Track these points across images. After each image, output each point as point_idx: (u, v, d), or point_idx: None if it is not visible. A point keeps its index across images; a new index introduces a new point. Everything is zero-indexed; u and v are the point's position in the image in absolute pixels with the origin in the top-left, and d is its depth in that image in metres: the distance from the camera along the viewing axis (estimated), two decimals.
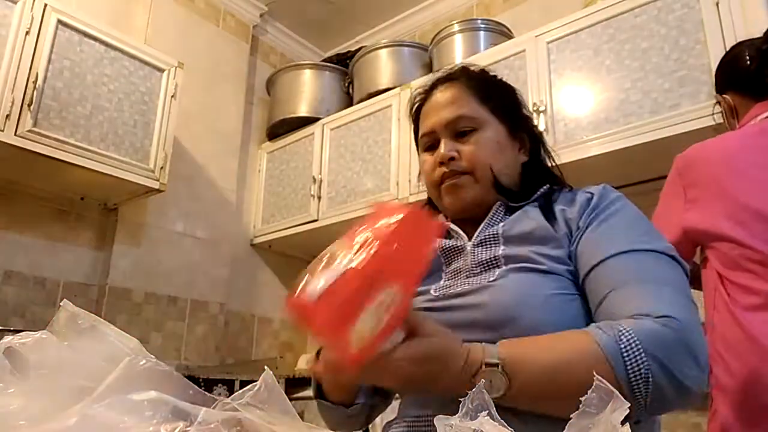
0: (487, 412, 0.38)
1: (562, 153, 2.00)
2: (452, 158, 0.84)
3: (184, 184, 2.70)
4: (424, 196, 0.98)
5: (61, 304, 0.48)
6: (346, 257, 0.55)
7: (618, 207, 0.77)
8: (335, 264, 0.55)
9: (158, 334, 2.51)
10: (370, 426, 0.92)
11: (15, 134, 1.93)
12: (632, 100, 1.95)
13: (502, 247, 0.79)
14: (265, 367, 0.42)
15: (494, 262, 0.78)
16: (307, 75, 3.04)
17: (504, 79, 0.96)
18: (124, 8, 2.65)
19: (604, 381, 0.40)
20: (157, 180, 2.31)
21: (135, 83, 2.30)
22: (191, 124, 2.77)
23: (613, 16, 2.06)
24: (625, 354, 0.60)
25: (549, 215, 0.80)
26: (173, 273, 2.61)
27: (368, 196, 2.62)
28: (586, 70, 2.09)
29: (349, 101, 2.98)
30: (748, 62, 1.32)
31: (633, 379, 0.60)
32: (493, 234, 0.80)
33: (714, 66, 1.48)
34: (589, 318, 0.72)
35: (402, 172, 2.52)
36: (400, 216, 0.59)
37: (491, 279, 0.75)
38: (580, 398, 0.59)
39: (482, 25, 2.63)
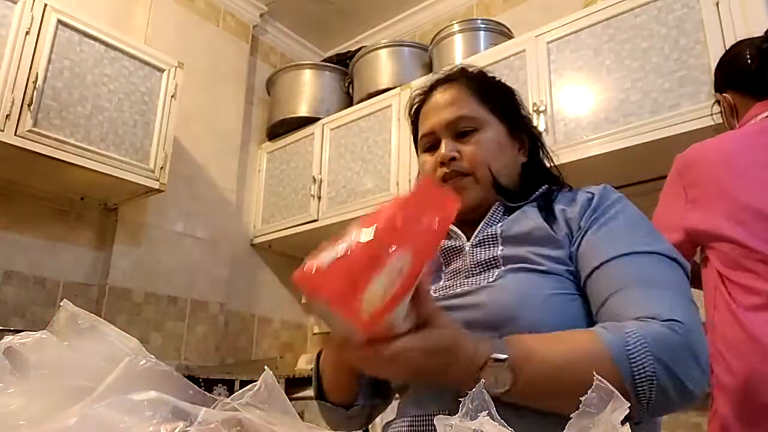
0: (487, 412, 0.38)
1: (562, 153, 2.00)
2: (453, 158, 0.84)
3: (184, 184, 2.70)
4: None
5: (61, 304, 0.48)
6: (355, 232, 0.55)
7: (619, 208, 0.77)
8: (344, 238, 0.55)
9: (158, 334, 2.51)
10: (370, 426, 0.92)
11: (15, 134, 1.93)
12: (632, 100, 1.95)
13: (500, 248, 0.79)
14: (265, 367, 0.42)
15: (493, 262, 0.78)
16: (307, 75, 3.05)
17: (503, 80, 0.96)
18: (124, 8, 2.65)
19: (604, 381, 0.40)
20: (157, 180, 2.31)
21: (135, 83, 2.30)
22: (191, 124, 2.78)
23: (613, 16, 2.06)
24: (632, 355, 0.60)
25: (548, 215, 0.80)
26: (173, 273, 2.61)
27: (368, 196, 2.62)
28: (586, 70, 2.09)
29: (349, 101, 2.99)
30: (749, 61, 1.32)
31: (638, 380, 0.60)
32: (492, 234, 0.80)
33: (714, 66, 1.48)
34: (589, 319, 0.72)
35: (402, 172, 2.52)
36: (415, 190, 0.60)
37: (491, 279, 0.75)
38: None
39: (482, 25, 2.63)
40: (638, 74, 1.96)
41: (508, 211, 0.85)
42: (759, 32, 1.42)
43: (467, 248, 0.82)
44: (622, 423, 0.36)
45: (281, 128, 3.10)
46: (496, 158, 0.85)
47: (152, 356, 0.42)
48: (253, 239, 3.07)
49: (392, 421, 0.79)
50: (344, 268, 0.52)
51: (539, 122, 2.10)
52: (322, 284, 0.52)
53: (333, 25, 3.39)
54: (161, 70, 2.39)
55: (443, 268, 0.85)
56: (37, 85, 1.99)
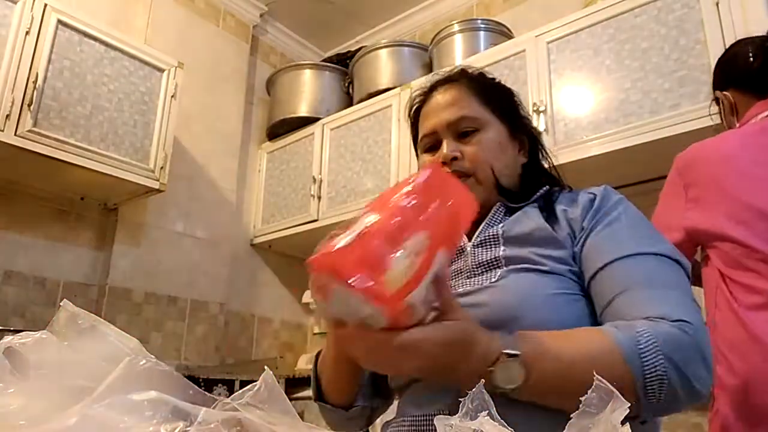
0: (487, 412, 0.38)
1: (562, 153, 2.00)
2: (455, 158, 0.84)
3: (184, 184, 2.70)
4: None
5: (61, 304, 0.48)
6: (367, 217, 0.55)
7: (621, 210, 0.78)
8: (359, 221, 0.55)
9: (158, 334, 2.51)
10: (370, 428, 0.92)
11: (15, 134, 1.93)
12: (632, 100, 1.95)
13: (502, 248, 0.79)
14: (265, 367, 0.42)
15: (495, 262, 0.78)
16: (307, 75, 3.05)
17: (503, 81, 0.96)
18: (123, 8, 2.65)
19: (604, 381, 0.40)
20: (157, 180, 2.31)
21: (135, 83, 2.30)
22: (191, 124, 2.78)
23: (613, 16, 2.06)
24: (643, 355, 0.61)
25: (550, 216, 0.80)
26: (173, 273, 2.61)
27: (368, 196, 2.62)
28: (586, 70, 2.09)
29: (349, 101, 2.99)
30: (751, 59, 1.31)
31: (649, 379, 0.60)
32: (493, 235, 0.80)
33: (714, 66, 1.48)
34: (592, 319, 0.72)
35: (402, 172, 2.52)
36: (425, 174, 0.60)
37: (493, 279, 0.75)
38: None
39: (482, 25, 2.63)
40: (638, 74, 1.96)
41: (509, 211, 0.85)
42: (759, 32, 1.41)
43: (468, 248, 0.82)
44: (627, 422, 0.36)
45: (281, 128, 3.10)
46: (498, 159, 0.85)
47: (152, 356, 0.42)
48: (253, 239, 3.07)
49: (392, 420, 0.79)
50: (364, 250, 0.52)
51: (539, 122, 2.10)
52: (342, 266, 0.51)
53: (333, 25, 3.39)
54: (161, 70, 2.39)
55: None
56: (37, 85, 1.99)
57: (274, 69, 3.26)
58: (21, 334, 0.44)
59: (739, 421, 1.07)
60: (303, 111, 3.00)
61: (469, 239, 0.84)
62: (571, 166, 1.95)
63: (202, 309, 2.70)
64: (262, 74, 3.29)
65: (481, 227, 0.84)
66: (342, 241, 0.53)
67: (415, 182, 0.59)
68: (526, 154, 0.92)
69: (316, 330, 3.14)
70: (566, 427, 0.39)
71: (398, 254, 0.53)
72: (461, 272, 0.81)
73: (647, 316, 0.65)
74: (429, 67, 2.75)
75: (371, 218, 0.54)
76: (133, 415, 0.35)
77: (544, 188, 0.86)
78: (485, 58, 2.37)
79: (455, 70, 0.94)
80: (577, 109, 2.08)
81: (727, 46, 1.58)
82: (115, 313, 2.38)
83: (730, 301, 1.13)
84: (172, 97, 2.40)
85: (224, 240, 2.86)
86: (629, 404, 0.60)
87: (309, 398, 0.87)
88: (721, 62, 1.40)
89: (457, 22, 2.67)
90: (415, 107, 0.95)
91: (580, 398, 0.40)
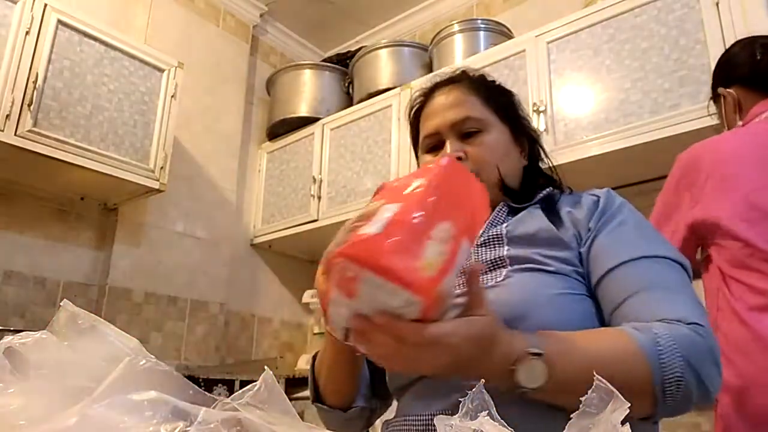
0: (487, 412, 0.38)
1: (562, 153, 2.00)
2: (459, 158, 0.84)
3: (184, 184, 2.70)
4: None
5: (61, 304, 0.48)
6: (389, 205, 0.53)
7: (626, 213, 0.79)
8: (379, 212, 0.53)
9: (158, 334, 2.51)
10: (370, 428, 0.92)
11: (15, 134, 1.93)
12: (632, 100, 1.95)
13: (506, 248, 0.79)
14: (265, 367, 0.42)
15: (499, 262, 0.78)
16: (307, 75, 3.05)
17: (503, 81, 0.96)
18: (123, 8, 2.65)
19: (604, 381, 0.40)
20: (157, 180, 2.31)
21: (135, 83, 2.30)
22: (191, 124, 2.78)
23: (613, 16, 2.06)
24: (663, 356, 0.61)
25: (553, 217, 0.80)
26: (173, 273, 2.61)
27: (368, 196, 2.60)
28: (586, 70, 2.09)
29: (349, 101, 2.99)
30: (758, 57, 1.30)
31: (667, 381, 0.61)
32: (497, 234, 0.80)
33: (714, 66, 1.47)
34: (598, 319, 0.73)
35: (402, 172, 2.52)
36: (443, 164, 0.59)
37: (498, 279, 0.75)
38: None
39: (482, 25, 2.63)
40: (638, 74, 1.96)
41: (512, 211, 0.85)
42: (759, 32, 1.41)
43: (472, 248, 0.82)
44: (626, 422, 0.36)
45: (281, 128, 3.10)
46: (502, 160, 0.86)
47: (152, 356, 0.42)
48: (253, 239, 3.07)
49: (392, 420, 0.79)
50: (396, 239, 0.50)
51: (539, 122, 2.10)
52: (377, 254, 0.50)
53: (333, 25, 3.39)
54: (161, 70, 2.39)
55: None
56: (37, 85, 1.99)
57: (274, 69, 3.26)
58: (21, 334, 0.44)
59: (742, 422, 1.07)
60: (303, 111, 3.00)
61: None
62: (571, 166, 1.95)
63: (202, 309, 2.70)
64: (262, 74, 3.29)
65: (484, 226, 0.84)
66: (369, 230, 0.51)
67: (432, 172, 0.58)
68: (526, 157, 0.92)
69: (316, 330, 3.14)
70: (566, 427, 0.39)
71: (429, 242, 0.52)
72: (464, 272, 0.81)
73: (662, 319, 0.66)
74: (429, 67, 2.75)
75: (392, 208, 0.53)
76: (133, 415, 0.35)
77: (547, 189, 0.86)
78: (485, 58, 2.37)
79: (457, 72, 0.94)
80: (577, 109, 2.08)
81: (727, 46, 1.58)
82: (115, 313, 2.38)
83: (732, 302, 1.13)
84: (172, 97, 2.40)
85: (224, 240, 2.86)
86: (646, 404, 0.62)
87: (309, 398, 0.87)
88: (724, 59, 1.39)
89: (457, 22, 2.67)
90: (415, 108, 0.95)
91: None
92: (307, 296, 3.04)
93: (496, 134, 0.87)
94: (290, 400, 0.41)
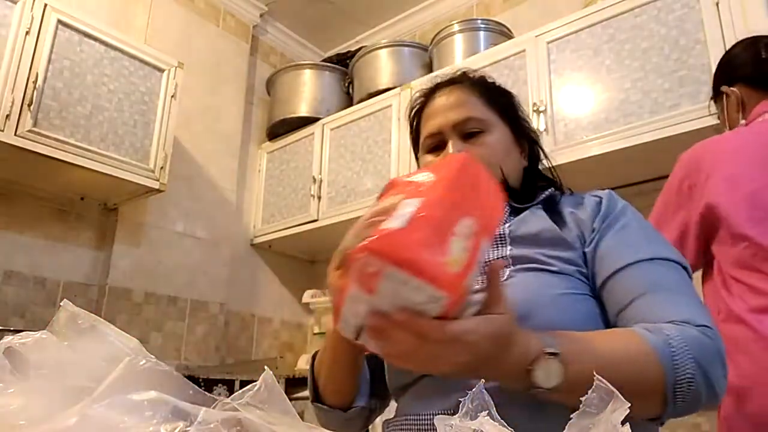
0: (487, 412, 0.38)
1: (563, 153, 2.00)
2: None
3: (184, 184, 2.70)
4: None
5: (61, 304, 0.47)
6: (409, 200, 0.52)
7: (629, 215, 0.79)
8: (400, 207, 0.52)
9: (158, 334, 2.51)
10: (370, 427, 0.92)
11: (15, 134, 1.93)
12: (632, 100, 1.95)
13: (509, 248, 0.79)
14: (265, 367, 0.42)
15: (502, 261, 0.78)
16: (307, 75, 3.05)
17: (503, 81, 0.97)
18: (123, 8, 2.65)
19: (604, 381, 0.40)
20: (157, 180, 2.31)
21: (135, 83, 2.30)
22: (191, 124, 2.78)
23: (613, 16, 2.06)
24: (675, 357, 0.62)
25: (556, 218, 0.81)
26: (173, 273, 2.61)
27: (368, 196, 2.62)
28: (586, 70, 2.09)
29: (349, 101, 2.99)
30: (763, 56, 1.30)
31: (679, 382, 0.61)
32: (500, 234, 0.80)
33: (714, 66, 1.47)
34: (602, 319, 0.73)
35: (402, 172, 2.52)
36: (460, 161, 0.58)
37: (502, 279, 0.75)
38: (632, 396, 0.59)
39: (482, 25, 2.63)
40: (638, 74, 1.96)
41: (515, 211, 0.85)
42: (759, 32, 1.41)
43: None
44: (625, 422, 0.36)
45: (281, 128, 3.10)
46: (503, 160, 0.86)
47: (152, 356, 0.42)
48: (253, 239, 3.07)
49: (393, 419, 0.79)
50: (422, 233, 0.49)
51: (539, 122, 2.10)
52: (404, 248, 0.48)
53: (333, 25, 3.39)
54: (161, 70, 2.40)
55: None
56: (37, 85, 1.99)
57: (274, 69, 3.26)
58: (21, 334, 0.44)
59: (745, 423, 1.07)
60: (303, 111, 3.00)
61: None
62: (571, 166, 1.95)
63: (202, 309, 2.70)
64: (262, 74, 3.29)
65: None
66: (392, 224, 0.50)
67: (452, 168, 0.57)
68: (526, 158, 0.93)
69: (316, 330, 3.14)
70: (566, 427, 0.39)
71: (454, 238, 0.51)
72: None
73: (670, 320, 0.66)
74: (429, 67, 2.75)
75: (414, 202, 0.51)
76: (133, 415, 0.35)
77: (550, 190, 0.86)
78: (485, 58, 2.37)
79: (457, 73, 0.94)
80: (577, 109, 2.08)
81: (727, 46, 1.58)
82: (115, 313, 2.38)
83: (733, 302, 1.13)
84: (172, 97, 2.40)
85: (224, 240, 2.86)
86: (657, 405, 0.62)
87: (309, 398, 0.87)
88: (727, 58, 1.38)
89: (457, 22, 2.67)
90: (415, 108, 0.95)
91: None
92: (307, 296, 3.05)
93: (498, 135, 0.87)
94: (290, 400, 0.41)
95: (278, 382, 0.41)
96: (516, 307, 0.69)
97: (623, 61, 2.01)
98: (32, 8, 2.04)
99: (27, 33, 2.01)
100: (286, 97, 3.08)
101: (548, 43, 2.21)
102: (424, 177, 0.57)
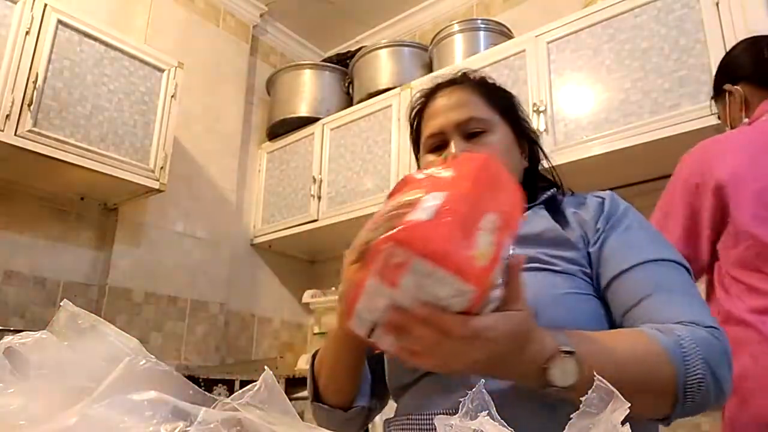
0: (487, 412, 0.38)
1: (563, 153, 2.00)
2: None
3: (184, 184, 2.70)
4: None
5: (61, 304, 0.47)
6: (432, 194, 0.51)
7: (632, 217, 0.80)
8: (423, 200, 0.51)
9: (158, 334, 2.51)
10: (370, 426, 0.91)
11: (15, 134, 1.93)
12: (632, 100, 1.95)
13: (512, 248, 0.79)
14: (265, 367, 0.42)
15: None
16: (307, 75, 3.05)
17: (503, 81, 0.97)
18: (123, 8, 2.65)
19: (604, 381, 0.40)
20: (157, 180, 2.31)
21: (135, 83, 2.30)
22: (191, 124, 2.78)
23: (613, 16, 2.06)
24: (687, 358, 0.62)
25: (558, 218, 0.81)
26: (173, 273, 2.61)
27: (368, 196, 2.62)
28: (586, 70, 2.09)
29: (349, 101, 2.99)
30: (766, 55, 1.29)
31: (690, 382, 0.62)
32: None
33: (714, 66, 1.47)
34: (606, 319, 0.74)
35: (402, 172, 2.52)
36: (480, 158, 0.58)
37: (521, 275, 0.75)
38: (643, 396, 0.58)
39: (482, 25, 2.63)
40: (638, 74, 1.96)
41: None
42: (759, 32, 1.41)
43: None
44: (627, 422, 0.36)
45: (281, 128, 3.10)
46: (505, 161, 0.85)
47: (152, 356, 0.42)
48: (253, 239, 3.07)
49: (394, 419, 0.79)
50: (450, 226, 0.48)
51: (539, 122, 2.10)
52: (432, 240, 0.47)
53: (333, 25, 3.39)
54: (161, 70, 2.39)
55: None
56: (37, 85, 1.99)
57: (274, 69, 3.26)
58: (21, 334, 0.44)
59: (749, 424, 1.06)
60: (303, 111, 3.00)
61: None
62: (571, 166, 1.95)
63: (202, 309, 2.70)
64: (262, 74, 3.29)
65: None
66: (418, 216, 0.49)
67: (474, 164, 0.57)
68: (527, 158, 0.93)
69: (316, 330, 3.14)
70: (566, 427, 0.39)
71: (480, 232, 0.50)
72: None
73: (679, 321, 0.67)
74: (429, 67, 2.75)
75: (438, 196, 0.51)
76: (133, 415, 0.35)
77: (551, 190, 0.86)
78: (485, 58, 2.37)
79: (459, 73, 0.94)
80: (577, 109, 2.08)
81: (727, 46, 1.58)
82: (115, 313, 2.38)
83: (730, 304, 1.13)
84: (172, 97, 2.40)
85: (224, 240, 2.86)
86: (667, 405, 0.62)
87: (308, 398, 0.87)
88: (729, 57, 1.38)
89: (457, 22, 2.67)
90: (416, 108, 0.95)
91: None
92: (307, 296, 3.04)
93: (500, 135, 0.87)
94: (290, 400, 0.41)
95: (278, 382, 0.41)
96: None
97: (623, 61, 2.00)
98: (32, 8, 2.04)
99: (27, 33, 2.01)
100: (286, 97, 3.08)
101: (548, 43, 2.21)
102: (444, 173, 0.56)
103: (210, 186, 2.84)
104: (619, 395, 0.38)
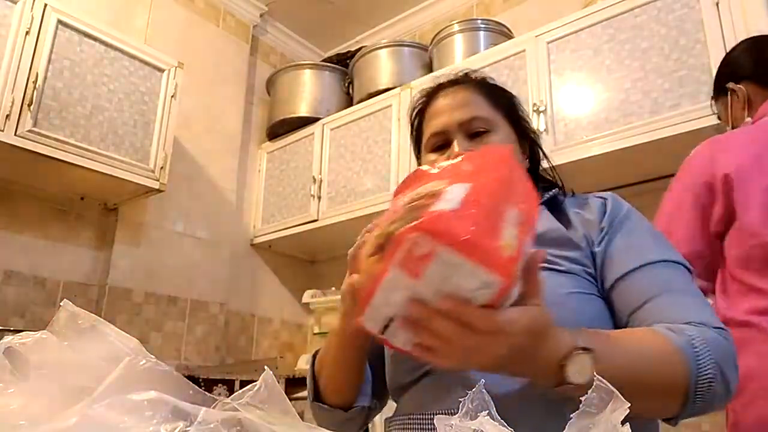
0: (487, 412, 0.38)
1: (563, 153, 2.00)
2: None
3: (184, 184, 2.70)
4: None
5: (61, 304, 0.47)
6: (454, 186, 0.50)
7: (635, 218, 0.80)
8: (446, 192, 0.50)
9: (158, 334, 2.51)
10: (369, 426, 0.91)
11: (15, 134, 1.93)
12: (632, 100, 1.95)
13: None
14: (265, 367, 0.42)
15: None
16: (307, 75, 3.05)
17: (503, 81, 0.97)
18: (124, 8, 2.65)
19: (604, 381, 0.40)
20: (157, 180, 2.31)
21: (135, 83, 2.30)
22: (191, 124, 2.78)
23: (613, 16, 2.06)
24: (699, 358, 0.63)
25: (561, 218, 0.81)
26: (173, 273, 2.61)
27: (368, 196, 2.62)
28: (586, 70, 2.09)
29: (349, 101, 2.99)
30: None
31: (701, 382, 0.62)
32: None
33: (714, 66, 1.47)
34: (610, 319, 0.74)
35: (402, 172, 2.52)
36: (500, 154, 0.58)
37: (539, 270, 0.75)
38: (655, 394, 0.58)
39: (482, 25, 2.63)
40: (638, 74, 1.96)
41: None
42: (759, 32, 1.41)
43: None
44: (623, 422, 0.36)
45: (281, 128, 3.10)
46: None
47: (152, 356, 0.42)
48: (253, 239, 3.07)
49: (394, 418, 0.79)
50: (476, 216, 0.47)
51: (539, 122, 2.10)
52: (460, 229, 0.46)
53: (333, 25, 3.39)
54: (161, 70, 2.39)
55: None
56: (37, 85, 1.99)
57: (274, 69, 3.26)
58: (21, 334, 0.44)
59: (754, 424, 1.06)
60: (303, 111, 3.00)
61: None
62: (571, 166, 1.95)
63: (202, 309, 2.70)
64: (262, 74, 3.29)
65: None
66: (444, 206, 0.47)
67: (496, 159, 0.56)
68: (528, 158, 0.93)
69: (316, 330, 3.14)
70: (566, 427, 0.39)
71: (504, 225, 0.49)
72: None
73: (689, 321, 0.67)
74: (429, 67, 2.75)
75: (463, 187, 0.50)
76: (133, 415, 0.35)
77: (554, 190, 0.86)
78: (485, 58, 2.37)
79: (461, 73, 0.94)
80: (577, 109, 2.08)
81: (727, 46, 1.58)
82: (115, 313, 2.38)
83: (730, 305, 1.12)
84: (172, 97, 2.40)
85: (224, 240, 2.86)
86: (677, 404, 0.62)
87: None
88: (731, 57, 1.38)
89: (457, 22, 2.67)
90: (418, 108, 0.95)
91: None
92: (307, 296, 3.04)
93: (502, 135, 0.87)
94: (290, 400, 0.41)
95: (278, 382, 0.41)
96: None
97: (623, 61, 2.01)
98: (32, 8, 2.04)
99: (27, 33, 2.01)
100: (286, 97, 3.08)
101: (548, 43, 2.21)
102: (464, 165, 0.55)
103: (210, 186, 2.84)
104: (619, 395, 0.38)
